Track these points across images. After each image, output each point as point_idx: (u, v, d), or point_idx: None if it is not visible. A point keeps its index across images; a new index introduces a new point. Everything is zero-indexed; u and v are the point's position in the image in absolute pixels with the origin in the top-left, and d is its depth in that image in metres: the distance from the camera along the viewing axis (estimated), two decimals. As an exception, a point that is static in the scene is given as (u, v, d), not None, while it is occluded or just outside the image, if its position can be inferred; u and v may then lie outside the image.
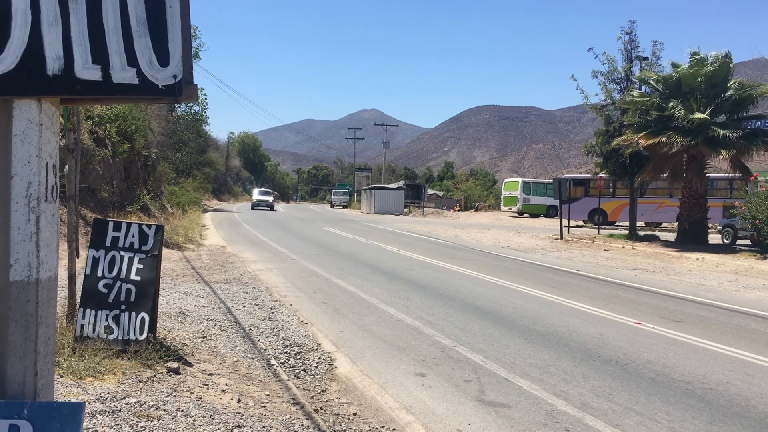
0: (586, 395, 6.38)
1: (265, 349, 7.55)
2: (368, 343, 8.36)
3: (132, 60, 2.45)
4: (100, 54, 2.44)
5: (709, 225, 24.78)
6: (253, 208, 53.30)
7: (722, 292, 13.90)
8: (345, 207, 71.64)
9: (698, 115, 21.42)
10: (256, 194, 57.94)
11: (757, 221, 20.10)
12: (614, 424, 5.58)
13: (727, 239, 24.21)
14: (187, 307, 9.22)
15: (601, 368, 7.41)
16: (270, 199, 56.21)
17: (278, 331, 8.51)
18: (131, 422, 4.58)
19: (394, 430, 5.41)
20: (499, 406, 6.04)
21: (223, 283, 12.04)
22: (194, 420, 4.84)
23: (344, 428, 5.37)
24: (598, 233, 29.09)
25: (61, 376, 5.25)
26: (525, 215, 47.95)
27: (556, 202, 30.41)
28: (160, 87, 2.44)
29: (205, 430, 4.70)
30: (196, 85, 2.53)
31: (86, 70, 2.42)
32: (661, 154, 22.72)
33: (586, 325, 9.84)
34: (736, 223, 23.20)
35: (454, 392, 6.42)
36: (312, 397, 6.11)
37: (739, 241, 23.52)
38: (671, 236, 26.34)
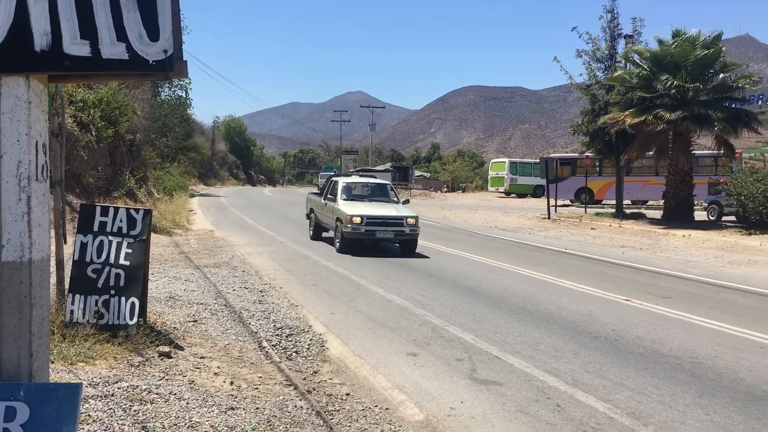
0: (577, 371, 6.43)
1: (256, 332, 7.54)
2: (359, 324, 8.37)
3: (121, 35, 2.41)
4: (88, 29, 2.39)
5: (695, 202, 24.95)
6: (342, 241, 15.04)
7: (709, 268, 14.03)
8: (332, 190, 71.33)
9: (691, 85, 21.50)
10: (344, 200, 15.91)
11: (742, 197, 20.25)
12: (605, 399, 5.63)
13: (712, 216, 24.40)
14: (177, 292, 9.18)
15: (590, 345, 7.47)
16: (399, 214, 15.24)
17: (269, 313, 8.50)
18: (124, 406, 4.56)
19: (387, 409, 5.43)
20: (491, 383, 6.07)
21: (213, 267, 11.99)
22: (187, 403, 4.83)
23: (337, 408, 5.38)
24: (585, 212, 29.22)
25: (52, 362, 5.21)
26: (512, 195, 48.05)
27: (543, 182, 30.46)
28: (150, 62, 2.40)
29: (198, 412, 4.69)
30: (186, 61, 2.49)
31: (75, 46, 2.38)
32: (647, 132, 22.80)
33: (575, 302, 9.91)
34: (721, 200, 23.38)
35: (446, 371, 6.46)
36: (304, 379, 6.12)
37: (724, 218, 23.70)
38: (657, 214, 26.51)
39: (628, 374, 6.38)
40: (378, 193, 17.13)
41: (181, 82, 42.93)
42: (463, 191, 62.19)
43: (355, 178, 18.10)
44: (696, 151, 25.67)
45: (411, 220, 15.03)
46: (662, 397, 5.73)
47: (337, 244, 15.18)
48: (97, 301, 6.18)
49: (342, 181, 16.88)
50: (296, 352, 7.00)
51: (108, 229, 6.38)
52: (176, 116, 45.70)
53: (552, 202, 27.87)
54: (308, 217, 18.78)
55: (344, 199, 15.88)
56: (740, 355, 7.16)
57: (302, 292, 10.35)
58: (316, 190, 21.53)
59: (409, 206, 16.82)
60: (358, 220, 14.64)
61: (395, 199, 16.91)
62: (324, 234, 17.29)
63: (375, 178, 19.85)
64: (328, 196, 16.65)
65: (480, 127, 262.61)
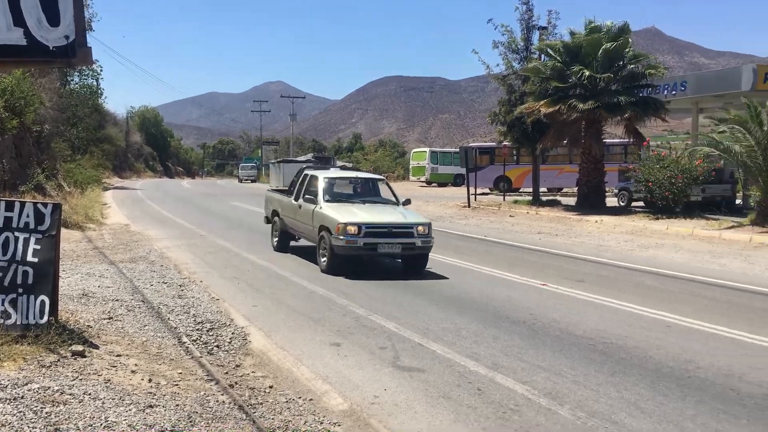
0: (497, 355, 6.60)
1: (175, 327, 7.37)
2: (282, 316, 8.31)
3: (19, 20, 2.26)
4: (-19, 13, 2.25)
5: (607, 189, 25.90)
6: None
7: (620, 252, 14.62)
8: (253, 181, 70.30)
9: (602, 75, 22.27)
10: (328, 202, 12.17)
11: (650, 183, 21.14)
12: (523, 381, 5.80)
13: (623, 202, 25.38)
14: (91, 288, 8.85)
15: (510, 329, 7.67)
16: (407, 220, 11.61)
17: (189, 308, 8.31)
18: (35, 408, 4.38)
19: (311, 400, 5.42)
20: (414, 370, 6.15)
21: (129, 262, 11.63)
22: (103, 402, 4.67)
23: (261, 401, 5.33)
24: (504, 200, 29.88)
25: (-45, 366, 4.95)
26: (433, 184, 48.56)
27: (463, 171, 30.94)
28: (51, 48, 2.28)
29: (115, 412, 4.55)
30: (90, 47, 2.39)
31: (-34, 31, 2.24)
32: (561, 121, 23.46)
33: (495, 288, 10.15)
34: (630, 186, 24.33)
35: (370, 360, 6.50)
36: (226, 373, 6.03)
37: (633, 203, 24.70)
38: (572, 200, 27.36)
39: (544, 356, 6.59)
40: (369, 192, 13.32)
41: (90, 71, 41.36)
42: (385, 181, 62.44)
43: (336, 172, 14.13)
44: (607, 140, 26.60)
45: (422, 229, 11.31)
46: (577, 377, 5.95)
47: (324, 262, 11.45)
48: (3, 301, 5.90)
49: (322, 177, 12.74)
50: (218, 346, 6.88)
51: (14, 224, 6.08)
52: (87, 106, 43.97)
53: (472, 190, 28.37)
54: (270, 221, 14.88)
55: (328, 201, 12.10)
56: (649, 334, 7.51)
57: (223, 285, 10.18)
58: (277, 187, 17.23)
59: (412, 208, 13.28)
60: (353, 229, 10.87)
61: (394, 199, 12.85)
62: (292, 243, 14.01)
63: (371, 173, 14.59)
64: (305, 195, 12.68)
65: (401, 116, 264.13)
